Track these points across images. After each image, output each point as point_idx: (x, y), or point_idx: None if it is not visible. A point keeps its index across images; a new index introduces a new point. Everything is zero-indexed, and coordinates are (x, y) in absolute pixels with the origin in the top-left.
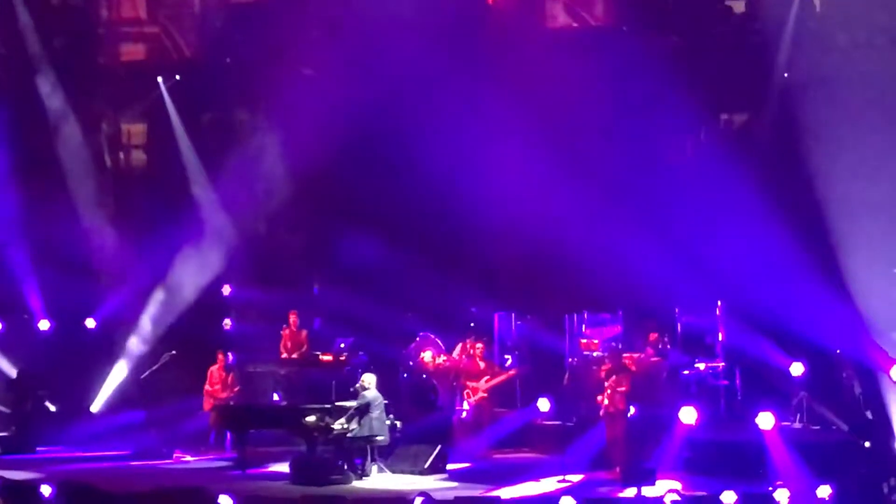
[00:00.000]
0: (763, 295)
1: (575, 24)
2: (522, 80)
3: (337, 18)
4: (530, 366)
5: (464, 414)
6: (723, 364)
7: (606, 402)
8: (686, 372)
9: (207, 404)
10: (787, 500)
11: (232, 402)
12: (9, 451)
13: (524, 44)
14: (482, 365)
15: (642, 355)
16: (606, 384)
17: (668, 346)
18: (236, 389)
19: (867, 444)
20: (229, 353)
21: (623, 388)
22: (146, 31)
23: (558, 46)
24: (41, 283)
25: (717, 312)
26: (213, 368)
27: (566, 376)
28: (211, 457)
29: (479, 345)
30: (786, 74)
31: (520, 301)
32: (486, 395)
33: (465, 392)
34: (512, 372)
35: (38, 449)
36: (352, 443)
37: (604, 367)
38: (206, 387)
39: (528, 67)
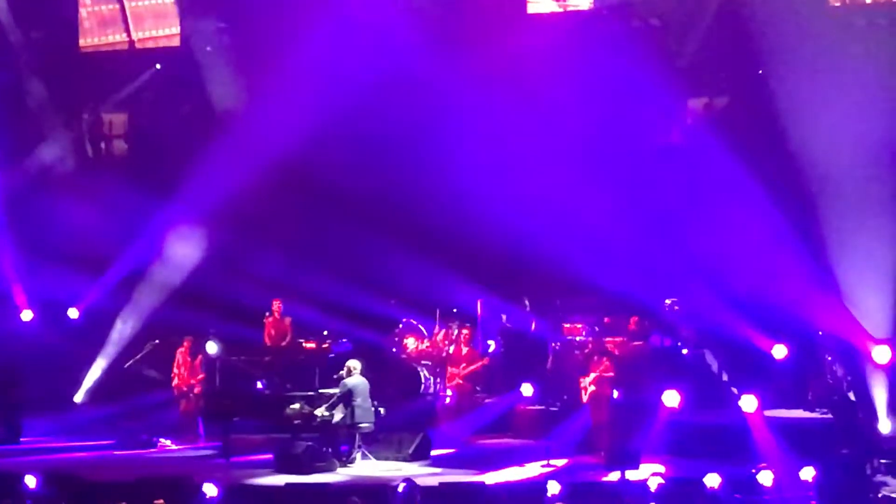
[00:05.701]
0: (746, 277)
1: (556, 9)
2: (503, 65)
3: (319, 5)
4: (505, 353)
5: (447, 400)
6: (705, 347)
7: (593, 387)
8: (685, 352)
9: (176, 390)
10: (770, 482)
11: (196, 389)
12: None
13: (505, 28)
14: (464, 351)
15: (624, 339)
16: (590, 369)
17: (650, 330)
18: (201, 376)
19: (850, 425)
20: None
21: (611, 374)
22: (127, 20)
23: (539, 31)
24: (24, 274)
25: (700, 295)
26: (180, 353)
27: (549, 361)
28: (195, 445)
29: (464, 331)
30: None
31: (503, 286)
32: (462, 381)
33: (446, 377)
34: (484, 360)
35: (22, 439)
36: (336, 430)
37: (586, 352)
38: (174, 371)
39: (509, 52)
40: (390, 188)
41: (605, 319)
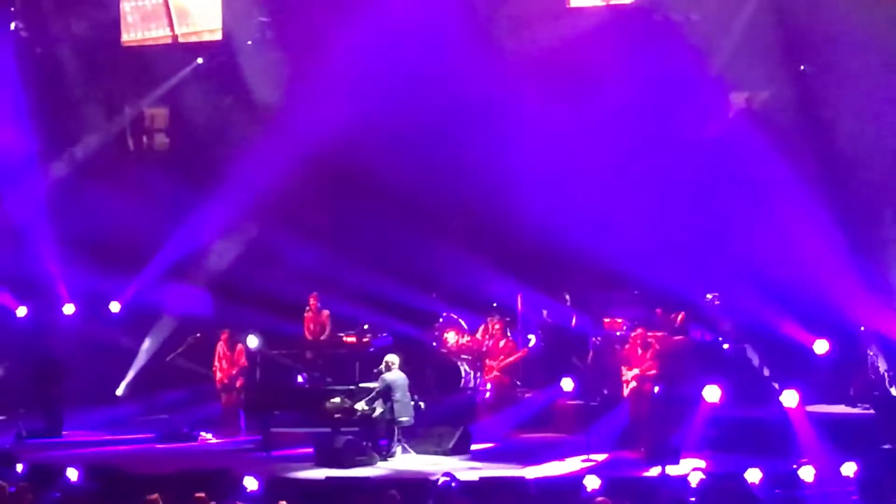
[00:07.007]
0: (787, 272)
1: (598, 3)
2: (544, 59)
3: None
4: (545, 348)
5: (487, 394)
6: (746, 342)
7: (634, 384)
8: (726, 346)
9: (219, 383)
10: (812, 478)
11: (239, 380)
12: (35, 435)
13: (545, 22)
14: (502, 344)
15: (665, 334)
16: (633, 363)
17: (691, 325)
18: (243, 365)
19: (891, 420)
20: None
21: (654, 372)
22: (170, 15)
23: (581, 24)
24: (66, 268)
25: (741, 290)
26: (219, 346)
27: (589, 355)
28: (236, 439)
29: (496, 325)
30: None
31: (543, 281)
32: (499, 373)
33: (484, 371)
34: (522, 351)
35: (64, 433)
36: (376, 424)
37: (627, 346)
38: (214, 364)
39: (551, 45)
40: (431, 182)
41: (657, 311)
